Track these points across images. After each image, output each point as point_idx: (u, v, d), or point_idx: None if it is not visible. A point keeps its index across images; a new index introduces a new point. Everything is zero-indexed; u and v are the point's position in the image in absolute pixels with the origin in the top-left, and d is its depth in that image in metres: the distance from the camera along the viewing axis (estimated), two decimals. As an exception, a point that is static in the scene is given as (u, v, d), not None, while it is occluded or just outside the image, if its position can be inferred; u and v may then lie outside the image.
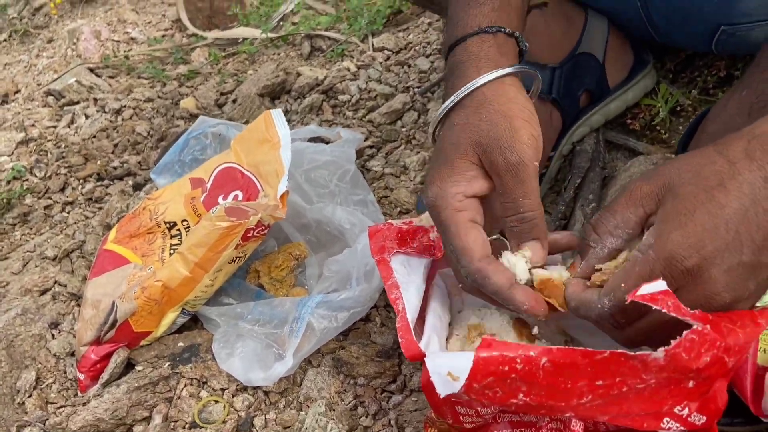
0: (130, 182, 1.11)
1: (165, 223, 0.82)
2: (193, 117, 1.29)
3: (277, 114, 0.85)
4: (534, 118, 0.53)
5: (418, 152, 1.07)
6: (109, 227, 0.97)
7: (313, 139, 1.06)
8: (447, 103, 0.55)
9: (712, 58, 0.88)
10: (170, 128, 1.26)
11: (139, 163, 1.18)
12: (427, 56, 1.29)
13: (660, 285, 0.43)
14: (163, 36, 1.73)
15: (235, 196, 0.82)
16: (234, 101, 1.31)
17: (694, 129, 0.71)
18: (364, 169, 1.07)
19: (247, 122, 1.23)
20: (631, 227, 0.47)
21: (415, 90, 1.20)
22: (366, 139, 1.11)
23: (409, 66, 1.27)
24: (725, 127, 0.63)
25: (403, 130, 1.13)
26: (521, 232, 0.52)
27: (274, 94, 1.28)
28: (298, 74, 1.32)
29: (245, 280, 0.84)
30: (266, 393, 0.72)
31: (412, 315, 0.55)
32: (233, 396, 0.72)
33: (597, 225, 0.49)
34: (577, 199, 0.81)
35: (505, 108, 0.52)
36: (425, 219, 0.67)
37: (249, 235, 0.75)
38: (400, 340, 0.53)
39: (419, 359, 0.51)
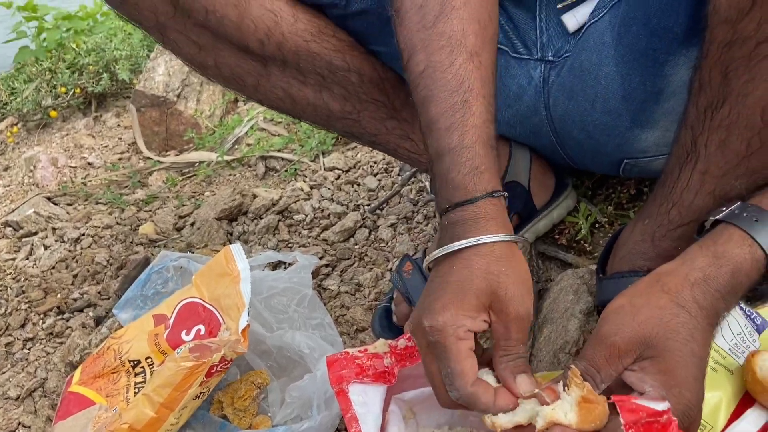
0: (91, 314, 1.14)
1: (129, 361, 0.85)
2: (152, 242, 1.33)
3: (236, 249, 0.91)
4: (528, 275, 0.62)
5: (371, 269, 1.14)
6: (71, 364, 0.99)
7: (273, 265, 1.12)
8: (465, 242, 0.61)
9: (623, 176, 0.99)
10: (129, 255, 1.30)
11: (99, 293, 1.21)
12: (375, 175, 1.38)
13: None
14: (120, 160, 1.79)
15: (198, 331, 0.86)
16: (192, 224, 1.36)
17: (609, 248, 0.80)
18: (320, 288, 1.13)
19: (206, 246, 1.29)
20: (609, 381, 0.55)
21: (366, 208, 1.28)
22: (321, 258, 1.18)
23: (359, 184, 1.37)
24: (633, 252, 0.72)
25: (356, 247, 1.20)
26: (515, 368, 0.60)
27: (231, 216, 1.35)
28: (254, 196, 1.39)
29: (209, 411, 0.87)
30: None
31: (370, 449, 0.59)
32: None
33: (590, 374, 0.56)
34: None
35: (520, 268, 0.61)
36: (379, 346, 0.72)
37: (212, 371, 0.79)
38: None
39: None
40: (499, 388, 0.59)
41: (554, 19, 0.85)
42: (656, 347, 0.53)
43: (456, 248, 0.62)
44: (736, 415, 0.63)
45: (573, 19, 0.83)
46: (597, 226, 0.96)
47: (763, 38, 0.53)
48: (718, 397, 0.62)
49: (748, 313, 0.67)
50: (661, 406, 0.51)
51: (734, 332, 0.65)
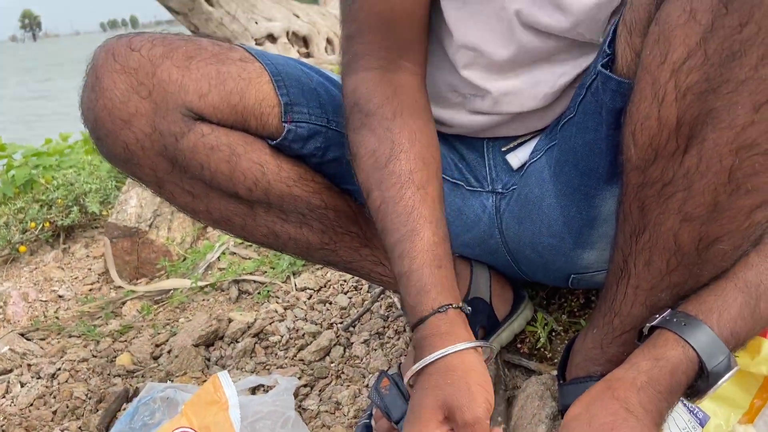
0: (73, 451, 1.14)
1: (124, 496, 0.88)
2: (130, 373, 1.36)
3: (224, 376, 0.97)
4: (488, 383, 0.71)
5: (348, 386, 1.20)
6: (58, 505, 0.99)
7: (252, 388, 1.16)
8: (417, 366, 0.72)
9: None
10: (108, 387, 1.32)
11: (80, 428, 1.21)
12: (345, 293, 1.47)
13: None
14: (90, 290, 1.83)
15: (191, 460, 0.90)
16: (170, 352, 1.40)
17: (566, 355, 0.90)
18: (300, 409, 1.17)
19: (185, 374, 1.32)
20: None
21: (339, 326, 1.35)
22: (299, 378, 1.23)
23: (331, 303, 1.45)
24: (587, 358, 0.82)
25: (332, 365, 1.26)
26: None
27: (208, 342, 1.39)
28: (230, 320, 1.45)
29: None
30: None
31: None
32: None
33: None
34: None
35: (465, 375, 0.70)
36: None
37: (210, 499, 0.82)
38: None
39: None
40: None
41: (500, 158, 0.99)
42: None
43: (415, 370, 0.73)
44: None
45: (516, 159, 0.97)
46: (554, 333, 1.06)
47: (667, 181, 0.67)
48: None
49: (691, 408, 0.77)
50: None
51: (680, 427, 0.74)
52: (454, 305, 0.76)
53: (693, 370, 0.67)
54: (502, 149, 0.97)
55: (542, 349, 1.05)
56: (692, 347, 0.67)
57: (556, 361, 1.03)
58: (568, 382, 0.84)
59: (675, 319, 0.69)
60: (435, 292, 0.75)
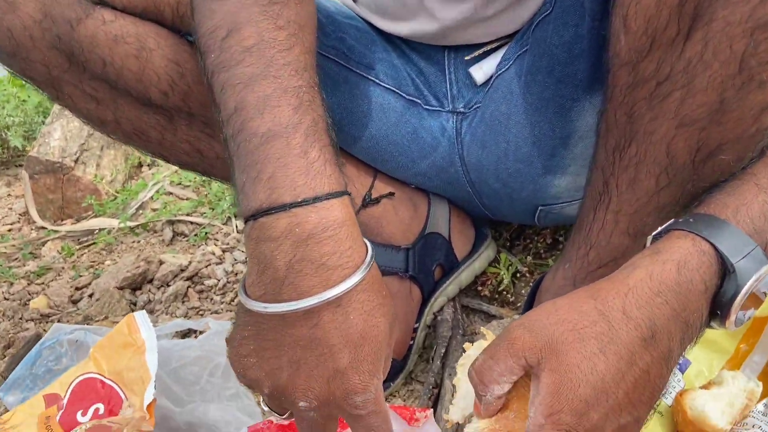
0: (-29, 401, 1.00)
1: (14, 451, 0.74)
2: (44, 317, 1.21)
3: (140, 316, 0.83)
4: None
5: (289, 333, 1.08)
6: (-58, 462, 0.85)
7: (182, 334, 1.04)
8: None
9: (539, 227, 1.01)
10: (18, 332, 1.17)
11: (-18, 376, 1.07)
12: (290, 235, 1.34)
13: None
14: (9, 231, 1.65)
15: (96, 410, 0.77)
16: (91, 296, 1.25)
17: (532, 296, 0.80)
18: (235, 357, 1.05)
19: (106, 318, 1.18)
20: (515, 374, 0.49)
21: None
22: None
23: (273, 246, 1.32)
24: (556, 297, 0.72)
25: (272, 311, 1.14)
26: None
27: (135, 285, 1.25)
28: (161, 262, 1.31)
29: (109, 503, 0.77)
30: None
31: None
32: None
33: (481, 374, 0.50)
34: (445, 369, 0.85)
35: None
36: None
37: (113, 454, 0.70)
38: None
39: None
40: None
41: (462, 71, 0.87)
42: (557, 355, 0.47)
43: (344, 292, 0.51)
44: (669, 455, 0.62)
45: (480, 72, 0.85)
46: (518, 275, 0.96)
47: (663, 78, 0.56)
48: (650, 440, 0.62)
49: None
50: None
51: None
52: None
53: (710, 266, 0.49)
54: (465, 59, 0.84)
55: (504, 293, 0.95)
56: (704, 239, 0.50)
57: (519, 305, 0.93)
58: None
59: (681, 219, 0.54)
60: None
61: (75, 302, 1.26)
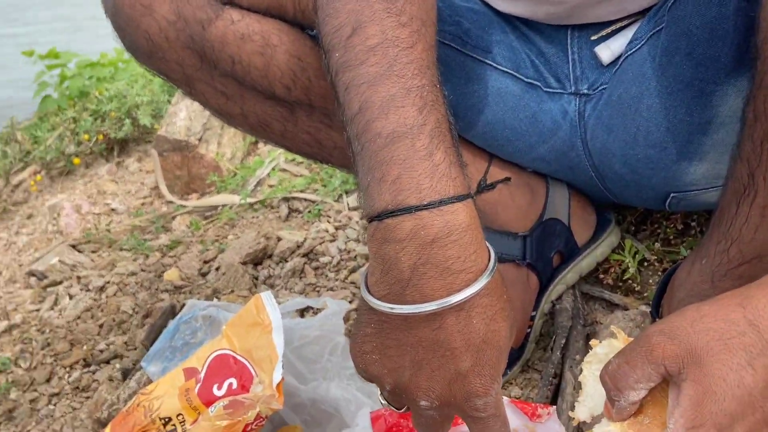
0: (118, 366, 1.10)
1: (160, 419, 0.82)
2: (177, 289, 1.31)
3: (267, 297, 0.88)
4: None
5: (403, 313, 1.10)
6: (99, 421, 0.95)
7: (300, 310, 1.08)
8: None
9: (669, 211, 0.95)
10: (155, 303, 1.27)
11: (126, 343, 1.18)
12: (402, 213, 1.35)
13: None
14: (143, 205, 1.78)
15: (230, 385, 0.83)
16: (217, 269, 1.34)
17: (663, 288, 0.76)
18: (351, 335, 1.09)
19: (232, 291, 1.26)
20: (652, 381, 0.48)
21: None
22: (350, 302, 1.14)
23: (385, 224, 1.34)
24: (692, 294, 0.68)
25: (386, 289, 1.16)
26: None
27: (256, 260, 1.32)
28: (279, 239, 1.37)
29: (243, 470, 0.83)
30: None
31: None
32: None
33: (616, 379, 0.48)
34: (565, 360, 0.83)
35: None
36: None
37: (248, 429, 0.75)
38: None
39: None
40: None
41: (587, 51, 0.82)
42: (701, 366, 0.44)
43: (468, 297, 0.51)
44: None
45: (607, 51, 0.80)
46: (645, 264, 0.91)
47: None
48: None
49: None
50: None
51: None
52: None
53: None
54: (591, 38, 0.80)
55: (630, 281, 0.91)
56: None
57: (645, 295, 0.89)
58: (664, 320, 0.71)
59: None
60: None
61: (204, 275, 1.35)
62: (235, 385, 0.83)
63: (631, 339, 0.54)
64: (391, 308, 0.52)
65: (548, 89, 0.85)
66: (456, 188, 0.51)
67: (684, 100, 0.70)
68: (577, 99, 0.83)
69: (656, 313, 0.74)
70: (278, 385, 0.78)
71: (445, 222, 0.50)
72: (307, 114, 0.80)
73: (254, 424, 0.75)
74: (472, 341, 0.51)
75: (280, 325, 0.85)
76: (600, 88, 0.81)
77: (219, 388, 0.83)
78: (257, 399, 0.76)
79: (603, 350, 0.57)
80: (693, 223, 0.92)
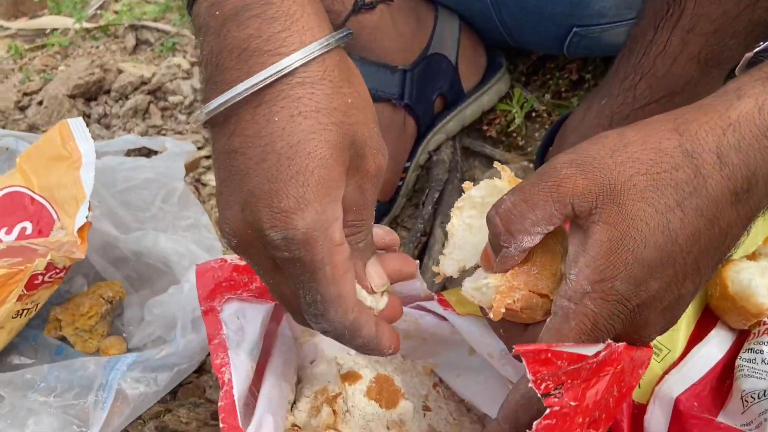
0: None
1: (-77, 268, 0.63)
2: (-15, 123, 1.06)
3: (76, 124, 0.69)
4: (370, 111, 0.42)
5: (262, 162, 0.95)
6: None
7: (133, 152, 0.90)
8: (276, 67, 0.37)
9: (563, 60, 0.85)
10: (-46, 138, 1.03)
11: None
12: (270, 53, 1.16)
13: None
14: (-47, 24, 1.44)
15: (23, 230, 0.65)
16: (40, 103, 1.10)
17: (551, 138, 0.66)
18: (199, 184, 0.93)
19: (54, 129, 1.04)
20: (553, 224, 0.37)
21: (257, 91, 1.07)
22: (200, 148, 0.97)
23: (250, 63, 1.15)
24: (587, 138, 0.58)
25: (244, 136, 1.00)
26: (365, 250, 0.42)
27: (89, 94, 1.09)
28: (120, 71, 1.14)
29: (42, 331, 0.68)
30: (68, 482, 0.57)
31: (240, 388, 0.43)
32: (22, 492, 0.56)
33: (509, 221, 0.38)
34: (437, 215, 0.74)
35: (364, 91, 0.40)
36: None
37: (37, 281, 0.59)
38: (221, 426, 0.41)
39: (243, 454, 0.40)
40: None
41: None
42: (619, 205, 0.36)
43: (265, 82, 0.37)
44: (696, 336, 0.52)
45: None
46: (533, 116, 0.81)
47: None
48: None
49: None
50: (590, 350, 0.35)
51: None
52: None
53: None
54: None
55: (514, 135, 0.80)
56: None
57: (529, 151, 0.80)
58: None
59: None
60: None
61: (22, 109, 1.11)
62: (30, 230, 0.65)
63: (520, 180, 0.43)
64: (196, 117, 0.39)
65: None
66: None
67: None
68: None
69: (541, 164, 0.65)
70: (81, 229, 0.62)
71: None
72: None
73: (47, 275, 0.60)
74: (270, 148, 0.37)
75: (92, 161, 0.67)
76: None
77: (8, 233, 0.65)
78: (52, 246, 0.60)
79: (480, 192, 0.46)
80: (588, 75, 0.83)
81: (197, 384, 0.65)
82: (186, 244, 0.72)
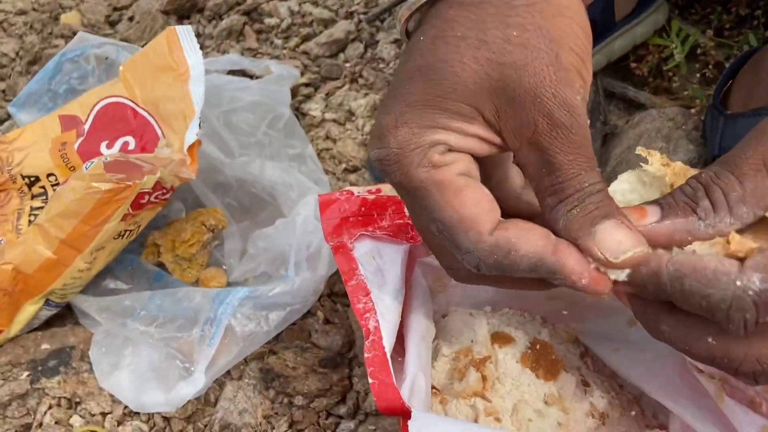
0: (-11, 117, 0.85)
1: (23, 177, 0.59)
2: (75, 35, 1.02)
3: (184, 32, 0.63)
4: (588, 45, 0.34)
5: (367, 94, 0.87)
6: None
7: (233, 73, 0.83)
8: None
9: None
10: (45, 49, 0.99)
11: (4, 92, 0.92)
12: (375, -24, 1.07)
13: None
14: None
15: (125, 144, 0.60)
16: (131, 19, 1.04)
17: (730, 76, 0.55)
18: (299, 113, 0.86)
19: (146, 44, 0.98)
20: (755, 204, 0.30)
21: (361, 17, 0.98)
22: (301, 75, 0.90)
23: (353, -13, 1.06)
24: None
25: (347, 65, 0.92)
26: (590, 217, 0.32)
27: (182, 11, 1.03)
28: (214, -10, 1.07)
29: (140, 256, 0.63)
30: (166, 419, 0.53)
31: (389, 340, 0.37)
32: (118, 424, 0.52)
33: (713, 191, 0.31)
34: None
35: (550, 24, 0.32)
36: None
37: (143, 201, 0.53)
38: (370, 381, 0.34)
39: (400, 414, 0.34)
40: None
41: None
42: None
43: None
44: None
45: None
46: (697, 51, 0.70)
47: None
48: None
49: None
50: None
51: None
52: None
53: None
54: None
55: (670, 75, 0.69)
56: None
57: (680, 96, 0.69)
58: (742, 113, 0.51)
59: None
60: None
61: (112, 24, 1.05)
62: (132, 145, 0.60)
63: (675, 163, 0.34)
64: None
65: None
66: None
67: None
68: None
69: (721, 107, 0.54)
70: (191, 148, 0.56)
71: None
72: None
73: (153, 195, 0.54)
74: (407, 67, 0.34)
75: (201, 72, 0.61)
76: None
77: (109, 147, 0.60)
78: (160, 162, 0.54)
79: (622, 186, 0.36)
80: (758, 12, 0.70)
81: (302, 327, 0.59)
82: (294, 174, 0.65)
